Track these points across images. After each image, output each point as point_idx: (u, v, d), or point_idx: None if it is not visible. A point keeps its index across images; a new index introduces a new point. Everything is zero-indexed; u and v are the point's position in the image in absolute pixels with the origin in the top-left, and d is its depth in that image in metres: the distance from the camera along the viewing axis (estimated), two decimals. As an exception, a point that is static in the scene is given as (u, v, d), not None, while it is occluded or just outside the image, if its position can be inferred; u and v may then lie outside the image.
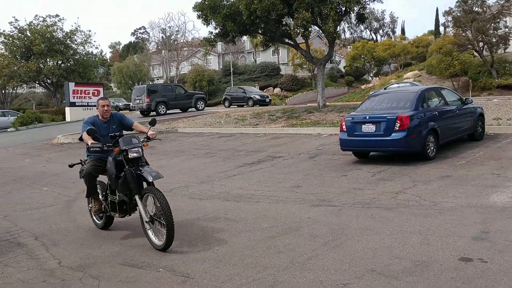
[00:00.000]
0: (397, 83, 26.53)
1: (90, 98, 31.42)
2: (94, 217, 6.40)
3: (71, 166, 6.41)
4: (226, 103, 35.02)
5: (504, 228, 4.96)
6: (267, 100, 33.68)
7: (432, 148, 9.22)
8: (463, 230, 5.02)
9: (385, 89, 21.04)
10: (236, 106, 33.18)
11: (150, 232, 5.29)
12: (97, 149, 5.47)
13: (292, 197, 7.13)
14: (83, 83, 33.47)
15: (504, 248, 4.43)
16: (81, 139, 5.81)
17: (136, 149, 5.47)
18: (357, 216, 5.83)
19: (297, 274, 4.20)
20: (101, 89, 32.84)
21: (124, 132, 6.19)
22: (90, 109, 30.71)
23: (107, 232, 6.11)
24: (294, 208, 6.48)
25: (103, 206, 6.03)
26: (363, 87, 40.40)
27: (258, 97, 33.52)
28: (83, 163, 6.27)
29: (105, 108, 6.04)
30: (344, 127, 9.76)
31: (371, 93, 18.59)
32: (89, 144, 5.48)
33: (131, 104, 29.77)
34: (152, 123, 6.07)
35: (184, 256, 4.95)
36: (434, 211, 5.79)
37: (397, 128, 8.86)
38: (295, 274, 4.20)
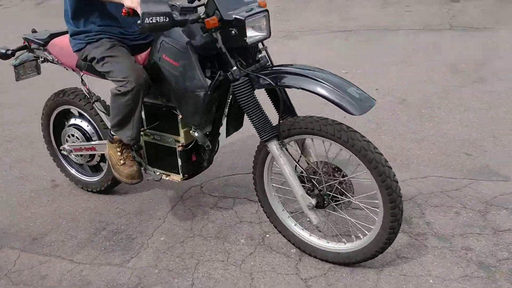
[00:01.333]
0: None
1: None
2: (72, 169, 3.12)
3: (6, 55, 2.78)
4: None
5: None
6: None
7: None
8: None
9: None
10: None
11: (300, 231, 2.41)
12: (163, 20, 1.92)
13: None
14: None
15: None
16: None
17: (259, 17, 2.10)
18: None
19: None
20: None
21: None
22: None
23: None
24: None
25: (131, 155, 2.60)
26: None
27: None
28: (33, 45, 2.82)
29: None
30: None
31: None
32: (140, 8, 1.90)
33: None
34: None
35: None
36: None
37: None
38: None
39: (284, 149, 2.18)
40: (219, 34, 2.07)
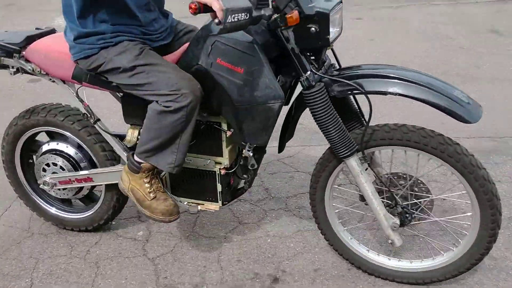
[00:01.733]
0: None
1: None
2: (52, 207, 2.44)
3: None
4: None
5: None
6: None
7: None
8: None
9: None
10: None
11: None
12: (244, 17, 1.52)
13: None
14: None
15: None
16: None
17: (337, 10, 1.73)
18: None
19: None
20: None
21: None
22: None
23: None
24: None
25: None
26: None
27: None
28: None
29: None
30: None
31: None
32: (221, 3, 1.48)
33: None
34: None
35: None
36: None
37: None
38: None
39: (366, 164, 1.87)
40: (291, 31, 1.70)
